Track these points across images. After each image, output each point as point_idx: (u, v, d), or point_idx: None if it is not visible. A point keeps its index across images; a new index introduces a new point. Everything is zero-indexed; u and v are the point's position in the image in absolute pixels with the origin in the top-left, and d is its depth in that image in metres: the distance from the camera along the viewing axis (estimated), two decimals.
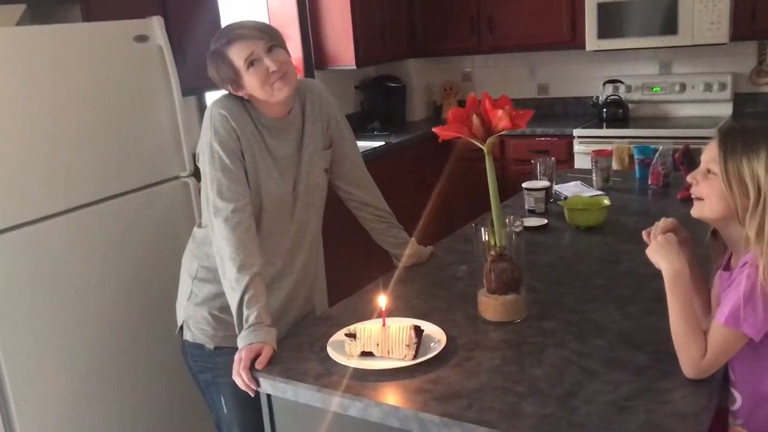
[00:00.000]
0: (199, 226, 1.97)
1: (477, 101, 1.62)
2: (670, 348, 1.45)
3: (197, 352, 1.93)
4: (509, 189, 3.03)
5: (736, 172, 1.34)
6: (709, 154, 1.40)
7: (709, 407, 1.28)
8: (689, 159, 2.56)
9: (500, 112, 1.57)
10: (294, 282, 1.95)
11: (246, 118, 1.81)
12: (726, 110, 4.16)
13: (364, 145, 4.23)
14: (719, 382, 1.36)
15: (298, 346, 1.64)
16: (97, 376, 2.39)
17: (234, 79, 1.78)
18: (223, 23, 3.31)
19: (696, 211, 1.44)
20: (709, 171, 1.39)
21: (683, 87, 4.25)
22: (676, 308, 1.39)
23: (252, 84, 1.77)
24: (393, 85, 4.90)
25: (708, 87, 4.17)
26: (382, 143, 4.26)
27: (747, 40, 3.97)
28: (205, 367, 1.93)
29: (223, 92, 1.88)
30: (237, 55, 1.75)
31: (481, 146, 1.63)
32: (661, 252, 1.44)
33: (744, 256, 1.36)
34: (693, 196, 1.44)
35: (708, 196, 1.40)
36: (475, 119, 1.60)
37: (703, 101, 4.21)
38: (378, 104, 4.88)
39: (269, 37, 1.79)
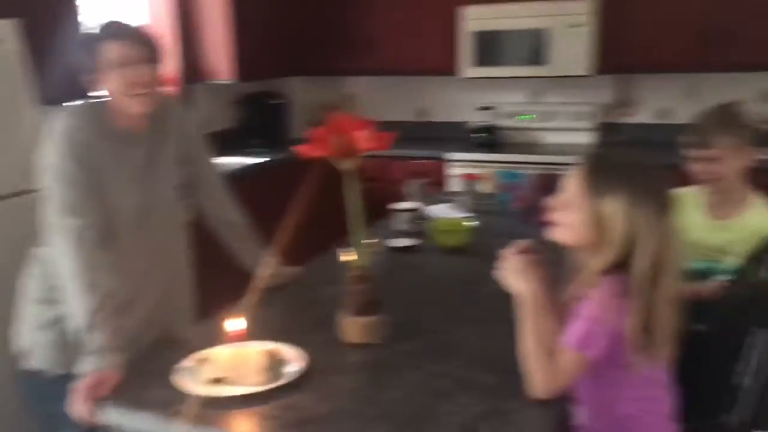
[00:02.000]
0: (41, 245, 1.84)
1: (340, 122, 1.61)
2: (517, 368, 1.49)
3: (41, 380, 1.80)
4: (382, 209, 3.06)
5: (595, 209, 1.38)
6: (573, 185, 1.44)
7: (552, 426, 1.31)
8: (552, 185, 2.67)
9: (362, 133, 1.58)
10: (152, 304, 1.86)
11: (96, 130, 1.72)
12: (589, 139, 4.40)
13: (242, 161, 4.15)
14: (563, 401, 1.41)
15: (148, 373, 1.55)
16: None
17: (92, 71, 1.70)
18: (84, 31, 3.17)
19: (554, 235, 1.49)
20: (570, 200, 1.44)
21: (551, 116, 4.46)
22: (529, 330, 1.42)
23: (111, 85, 1.70)
24: (274, 102, 4.85)
25: (573, 116, 4.40)
26: (261, 160, 4.19)
27: (609, 74, 4.23)
28: (49, 396, 1.79)
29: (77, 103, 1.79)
30: (108, 49, 1.69)
31: (344, 166, 1.62)
32: (515, 275, 1.48)
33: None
34: (552, 220, 1.48)
35: (566, 224, 1.44)
36: (337, 139, 1.59)
37: (569, 129, 4.44)
38: (258, 121, 4.80)
39: (150, 50, 1.74)
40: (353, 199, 1.65)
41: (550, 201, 1.50)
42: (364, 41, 4.63)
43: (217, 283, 3.35)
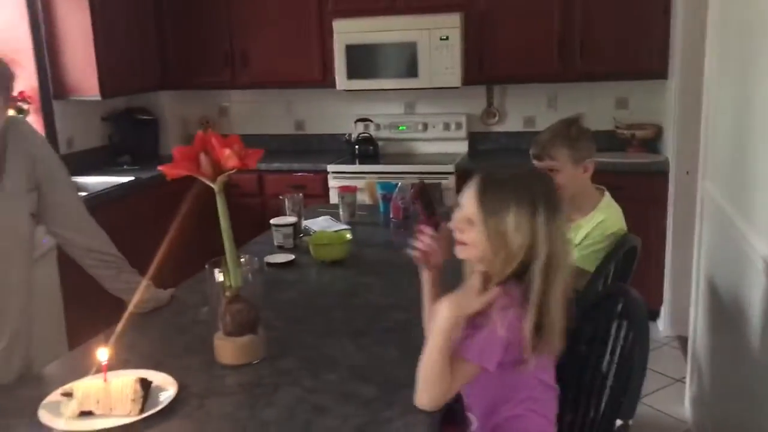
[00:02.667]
0: None
1: (204, 140, 1.58)
2: (396, 377, 1.53)
3: None
4: (264, 224, 3.02)
5: (494, 226, 1.41)
6: (469, 207, 1.45)
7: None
8: (423, 194, 2.73)
9: (228, 151, 1.56)
10: (8, 339, 1.74)
11: None
12: (462, 148, 4.55)
13: (111, 180, 3.98)
14: (442, 408, 1.44)
15: (5, 411, 1.45)
16: None
17: None
18: None
19: (461, 254, 1.49)
20: (470, 220, 1.45)
21: (425, 126, 4.58)
22: (440, 348, 1.38)
23: None
24: (144, 117, 4.69)
25: (446, 126, 4.54)
26: (132, 178, 4.03)
27: (477, 85, 4.40)
28: None
29: None
30: None
31: (212, 185, 1.59)
32: (449, 299, 1.44)
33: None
34: (457, 241, 1.48)
35: (471, 243, 1.45)
36: (203, 158, 1.56)
37: (442, 139, 4.57)
38: (128, 137, 4.62)
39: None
40: (223, 217, 1.62)
41: (453, 223, 1.49)
42: (237, 54, 4.57)
43: (88, 312, 3.20)
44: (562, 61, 4.07)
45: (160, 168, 1.59)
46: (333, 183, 4.25)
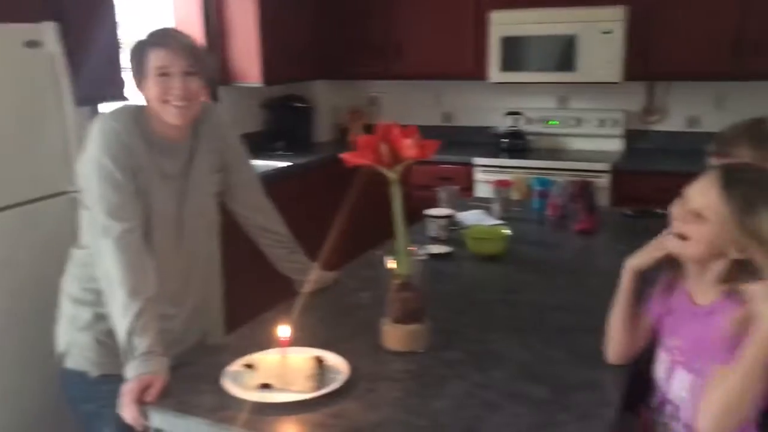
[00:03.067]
0: (80, 246, 1.85)
1: (386, 129, 1.60)
2: (568, 380, 1.49)
3: (80, 380, 1.80)
4: (411, 215, 3.04)
5: (748, 226, 1.34)
6: (705, 199, 1.38)
7: None
8: (586, 192, 2.65)
9: (408, 141, 1.57)
10: (189, 310, 1.87)
11: (137, 134, 1.73)
12: (618, 146, 4.37)
13: (267, 164, 4.16)
14: (617, 413, 1.39)
15: (192, 377, 1.55)
16: None
17: (136, 75, 1.74)
18: (125, 34, 3.19)
19: (678, 249, 1.44)
20: (700, 215, 1.38)
21: (579, 121, 4.44)
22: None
23: (150, 93, 1.72)
24: (299, 105, 4.85)
25: (602, 123, 4.37)
26: (287, 164, 4.20)
27: (638, 81, 4.20)
28: (88, 397, 1.81)
29: (117, 105, 1.80)
30: (154, 58, 1.71)
31: (389, 174, 1.61)
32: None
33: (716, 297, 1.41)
34: (674, 232, 1.43)
35: (695, 239, 1.39)
36: (383, 147, 1.59)
37: (596, 136, 4.41)
38: (283, 124, 4.81)
39: (194, 60, 1.73)
40: (397, 206, 1.64)
41: (677, 212, 1.44)
42: (391, 46, 4.63)
43: (243, 288, 3.37)
44: (735, 59, 3.79)
45: (341, 156, 1.63)
46: (479, 176, 4.22)
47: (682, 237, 1.42)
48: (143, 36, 1.76)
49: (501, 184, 2.89)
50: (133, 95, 3.26)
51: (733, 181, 1.38)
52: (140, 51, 1.72)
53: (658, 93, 4.33)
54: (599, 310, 1.83)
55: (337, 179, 4.43)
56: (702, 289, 1.46)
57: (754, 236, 1.34)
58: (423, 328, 1.66)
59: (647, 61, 4.00)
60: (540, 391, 1.46)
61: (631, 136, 4.40)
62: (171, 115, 1.73)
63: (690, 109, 4.28)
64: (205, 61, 1.78)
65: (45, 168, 2.42)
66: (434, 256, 2.36)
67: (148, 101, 1.75)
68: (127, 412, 1.46)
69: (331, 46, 4.81)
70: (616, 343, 1.58)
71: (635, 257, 1.54)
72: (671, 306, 1.54)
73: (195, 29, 4.19)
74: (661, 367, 1.54)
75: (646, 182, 3.74)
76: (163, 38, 1.74)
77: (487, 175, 4.14)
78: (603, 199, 3.71)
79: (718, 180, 1.38)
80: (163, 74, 1.70)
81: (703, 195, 1.39)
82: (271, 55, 4.31)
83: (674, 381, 1.49)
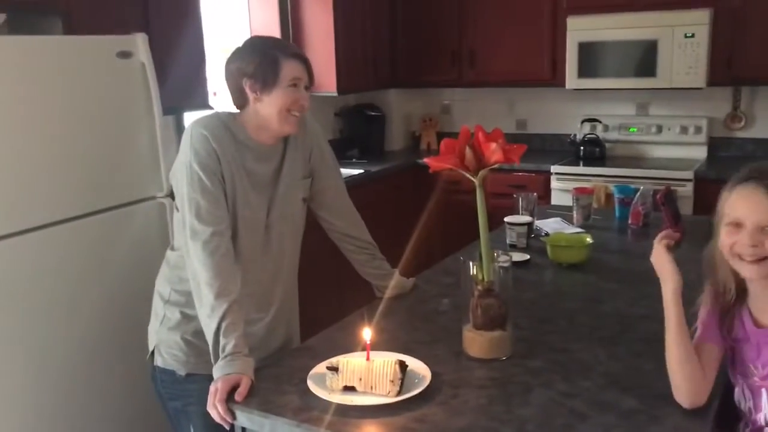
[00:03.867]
0: (172, 248, 1.91)
1: (470, 133, 1.59)
2: (658, 391, 1.44)
3: (168, 378, 1.86)
4: (494, 222, 3.02)
5: None
6: (761, 213, 1.33)
7: None
8: (670, 200, 2.57)
9: (493, 145, 1.56)
10: (274, 313, 1.90)
11: (228, 139, 1.76)
12: (701, 153, 4.22)
13: (342, 172, 4.20)
14: (711, 426, 1.34)
15: (277, 378, 1.58)
16: (63, 400, 2.29)
17: (265, 83, 1.75)
18: (206, 43, 3.29)
19: (764, 270, 1.37)
20: (766, 228, 1.33)
21: (659, 129, 4.31)
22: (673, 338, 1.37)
23: (277, 102, 1.76)
24: (373, 113, 4.89)
25: (684, 130, 4.23)
26: (361, 171, 4.23)
27: (722, 86, 4.05)
28: (175, 394, 1.86)
29: (203, 113, 1.85)
30: (290, 69, 1.76)
31: (473, 179, 1.60)
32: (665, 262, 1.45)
33: None
34: (752, 258, 1.36)
35: None
36: (468, 151, 1.58)
37: (678, 143, 4.27)
38: (357, 132, 4.86)
39: (312, 78, 1.83)
40: (481, 211, 1.62)
41: (750, 237, 1.35)
42: (465, 53, 4.62)
43: (321, 292, 3.41)
44: None
45: (426, 160, 1.63)
46: (555, 184, 4.15)
47: (762, 259, 1.34)
48: (265, 44, 1.80)
49: (581, 192, 2.83)
50: (216, 102, 3.38)
51: None
52: (273, 61, 1.74)
53: (744, 99, 4.16)
54: (686, 320, 1.78)
55: (411, 187, 4.45)
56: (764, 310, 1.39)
57: None
58: (506, 335, 1.64)
59: (732, 66, 3.86)
60: (629, 401, 1.41)
61: (715, 144, 4.24)
62: (289, 124, 1.79)
63: None
64: (313, 77, 1.86)
65: (135, 173, 2.51)
66: (513, 264, 2.33)
67: (263, 108, 1.77)
68: (215, 410, 1.49)
69: (404, 54, 4.84)
70: (689, 385, 1.37)
71: (673, 278, 1.43)
72: (737, 336, 1.46)
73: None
74: (743, 395, 1.47)
75: None
76: (296, 51, 1.82)
77: (563, 184, 4.06)
78: (686, 208, 3.59)
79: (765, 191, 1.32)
80: (294, 85, 1.76)
81: (761, 209, 1.32)
82: (346, 64, 4.37)
83: (763, 405, 1.42)
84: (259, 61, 1.74)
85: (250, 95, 1.77)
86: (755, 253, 1.34)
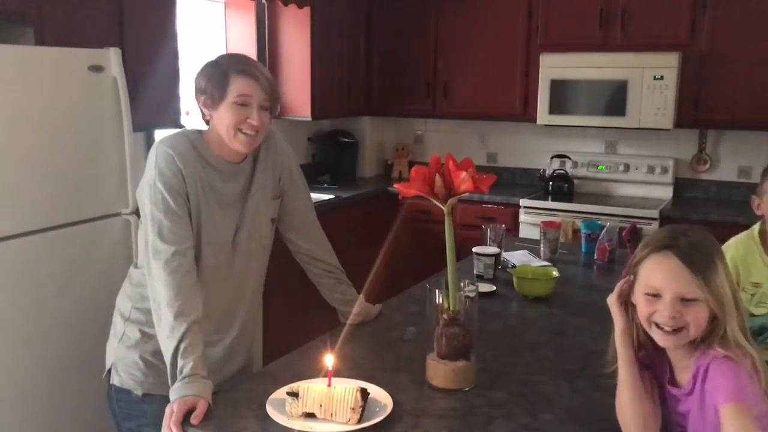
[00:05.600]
0: (136, 266, 1.88)
1: (440, 161, 1.60)
2: (617, 427, 1.43)
3: (124, 397, 1.81)
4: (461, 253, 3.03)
5: (712, 292, 1.30)
6: (679, 284, 1.31)
7: None
8: (636, 237, 2.60)
9: (463, 174, 1.56)
10: (234, 335, 1.87)
11: (193, 158, 1.74)
12: (667, 193, 4.30)
13: (312, 197, 4.17)
14: None
15: (235, 402, 1.54)
16: (19, 412, 2.23)
17: (213, 99, 1.72)
18: (181, 62, 3.27)
19: (680, 341, 1.34)
20: (684, 299, 1.31)
21: (627, 167, 4.38)
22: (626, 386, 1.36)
23: (223, 118, 1.72)
24: (346, 140, 4.91)
25: (651, 169, 4.31)
26: (331, 197, 4.23)
27: (689, 128, 4.15)
28: (130, 415, 1.81)
29: (173, 131, 1.82)
30: (239, 85, 1.71)
31: (442, 206, 1.60)
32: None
33: (695, 365, 1.34)
34: (670, 328, 1.32)
35: (695, 321, 1.31)
36: (438, 179, 1.58)
37: (645, 183, 4.35)
38: (329, 158, 4.86)
39: (271, 97, 1.76)
40: (450, 239, 1.62)
41: (669, 312, 1.32)
42: (438, 84, 4.67)
43: (283, 316, 3.38)
44: None
45: (395, 186, 1.63)
46: (524, 218, 4.19)
47: (680, 329, 1.32)
48: (222, 60, 1.77)
49: (548, 225, 2.85)
50: (188, 121, 3.35)
51: (688, 254, 1.31)
52: (222, 75, 1.71)
53: (709, 141, 4.26)
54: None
55: (381, 214, 4.45)
56: (680, 370, 1.39)
57: (715, 298, 1.30)
58: (470, 366, 1.63)
59: (699, 109, 3.96)
60: None
61: (681, 185, 4.33)
62: (239, 143, 1.74)
63: (742, 160, 4.20)
64: (277, 98, 1.80)
65: (102, 189, 2.48)
66: (480, 294, 2.33)
67: (215, 125, 1.75)
68: None
69: (379, 83, 4.88)
70: (640, 426, 1.36)
71: (619, 320, 1.43)
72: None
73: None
74: None
75: None
76: (249, 67, 1.74)
77: (531, 217, 4.10)
78: None
79: (680, 262, 1.31)
80: (243, 104, 1.71)
81: (679, 280, 1.31)
82: (321, 89, 4.38)
83: None
84: (210, 76, 1.72)
85: (204, 111, 1.76)
86: (674, 324, 1.32)
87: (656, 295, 1.34)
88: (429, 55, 4.68)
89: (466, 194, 1.63)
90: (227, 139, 1.74)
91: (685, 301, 1.31)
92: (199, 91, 1.74)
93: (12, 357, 2.19)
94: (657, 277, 1.34)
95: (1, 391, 2.18)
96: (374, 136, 5.21)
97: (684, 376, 1.37)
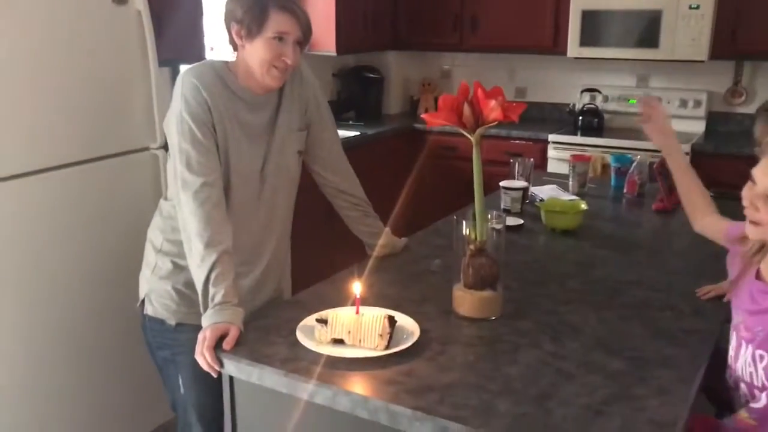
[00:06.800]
0: (166, 198, 1.90)
1: (468, 90, 1.57)
2: (645, 354, 1.45)
3: (157, 327, 1.86)
4: (489, 187, 3.01)
5: None
6: None
7: (684, 416, 1.26)
8: (666, 171, 2.56)
9: (493, 102, 1.54)
10: (264, 266, 1.89)
11: (219, 89, 1.73)
12: (699, 127, 4.21)
13: (339, 134, 4.17)
14: (695, 391, 1.34)
15: (266, 329, 1.58)
16: (55, 345, 2.30)
17: (250, 31, 1.69)
18: None
19: (755, 235, 1.41)
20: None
21: (659, 101, 4.26)
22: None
23: (258, 53, 1.71)
24: (371, 76, 4.84)
25: (683, 103, 4.21)
26: (357, 133, 4.20)
27: (725, 60, 4.02)
28: (164, 344, 1.86)
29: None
30: (277, 21, 1.69)
31: (470, 136, 1.59)
32: None
33: None
34: (749, 220, 1.40)
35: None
36: (466, 108, 1.56)
37: (677, 117, 4.23)
38: (355, 94, 4.82)
39: (306, 35, 1.75)
40: (477, 169, 1.61)
41: (747, 198, 1.39)
42: (466, 17, 4.56)
43: (313, 248, 3.40)
44: None
45: (422, 116, 1.61)
46: (552, 153, 4.14)
47: (756, 223, 1.37)
48: None
49: (578, 159, 2.82)
50: (212, 56, 3.32)
51: None
52: (262, 8, 1.68)
53: (745, 73, 4.13)
54: (676, 288, 1.80)
55: (407, 150, 4.43)
56: None
57: None
58: (496, 296, 1.64)
59: (736, 40, 3.83)
60: (616, 363, 1.42)
61: (714, 118, 4.22)
62: (271, 78, 1.73)
63: None
64: (311, 35, 1.78)
65: (129, 124, 2.48)
66: (507, 228, 2.32)
67: (246, 57, 1.73)
68: (202, 358, 1.49)
69: (405, 15, 4.77)
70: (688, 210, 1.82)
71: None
72: (742, 286, 1.49)
73: None
74: (730, 342, 1.52)
75: (728, 165, 3.56)
76: (288, 3, 1.71)
77: (560, 153, 4.05)
78: None
79: None
80: (280, 38, 1.70)
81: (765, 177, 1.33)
82: (346, 23, 4.31)
83: (740, 358, 1.45)
84: (249, 7, 1.69)
85: (237, 41, 1.74)
86: (751, 215, 1.37)
87: (753, 184, 1.39)
88: None
89: (494, 129, 1.60)
90: (259, 73, 1.73)
91: None
92: (234, 20, 1.71)
93: (46, 290, 2.25)
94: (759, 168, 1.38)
95: (38, 326, 2.25)
96: (400, 72, 5.13)
97: None
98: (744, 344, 1.47)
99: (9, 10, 2.08)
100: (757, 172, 1.37)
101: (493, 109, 1.53)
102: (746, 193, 1.40)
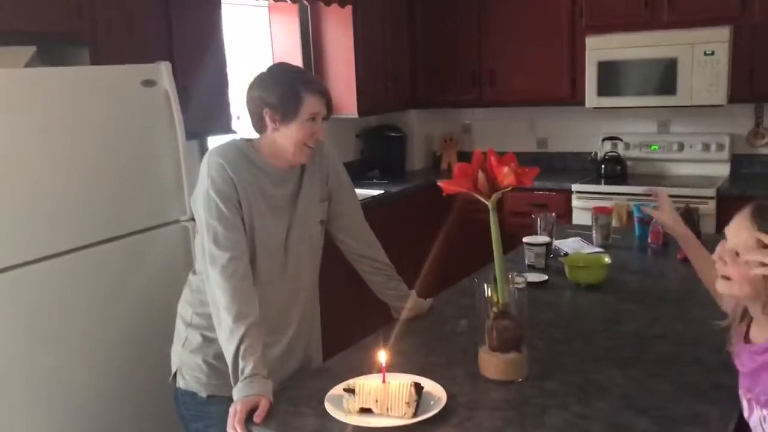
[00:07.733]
0: (194, 272, 1.96)
1: (483, 156, 1.62)
2: (673, 413, 1.44)
3: (190, 400, 1.89)
4: (506, 242, 3.02)
5: None
6: (739, 238, 1.35)
7: None
8: (689, 218, 2.56)
9: (506, 168, 1.58)
10: (292, 335, 1.93)
11: (244, 165, 1.81)
12: (723, 170, 4.19)
13: (362, 192, 4.23)
14: None
15: (295, 400, 1.60)
16: (88, 421, 2.34)
17: (285, 115, 1.79)
18: (229, 68, 3.36)
19: (724, 289, 1.41)
20: (738, 254, 1.35)
21: (681, 146, 4.29)
22: None
23: (293, 135, 1.80)
24: (393, 134, 4.94)
25: (706, 147, 4.21)
26: (381, 192, 4.27)
27: (743, 103, 4.03)
28: (196, 416, 1.89)
29: (226, 137, 1.89)
30: (311, 104, 1.79)
31: (486, 202, 1.62)
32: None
33: None
34: (720, 274, 1.40)
35: (737, 279, 1.35)
36: (480, 175, 1.60)
37: (700, 161, 4.25)
38: (378, 153, 4.91)
39: (330, 110, 1.87)
40: (495, 234, 1.64)
41: (716, 255, 1.40)
42: (484, 73, 4.66)
43: (340, 314, 3.43)
44: None
45: (439, 184, 1.66)
46: (576, 203, 4.15)
47: (726, 278, 1.37)
48: (288, 76, 1.82)
49: (600, 211, 2.83)
50: (239, 125, 3.44)
51: (761, 214, 1.32)
52: (295, 95, 1.78)
53: (766, 115, 4.13)
54: (704, 342, 1.78)
55: (431, 207, 4.47)
56: (758, 327, 1.40)
57: None
58: (521, 357, 1.65)
59: (753, 83, 3.84)
60: (644, 423, 1.42)
61: (738, 160, 4.21)
62: (303, 155, 1.84)
63: None
64: (333, 108, 1.90)
65: (159, 198, 2.57)
66: (531, 284, 2.34)
67: (278, 138, 1.82)
68: None
69: (424, 74, 4.89)
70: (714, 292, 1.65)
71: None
72: (736, 346, 1.48)
73: (295, 62, 4.36)
74: (743, 406, 1.48)
75: None
76: (318, 85, 1.84)
77: (584, 202, 4.06)
78: (708, 226, 3.56)
79: (749, 216, 1.33)
80: (313, 119, 1.81)
81: (737, 233, 1.34)
82: (366, 86, 4.43)
83: (751, 419, 1.42)
84: (282, 94, 1.78)
85: (269, 124, 1.82)
86: (720, 269, 1.39)
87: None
88: (473, 43, 4.67)
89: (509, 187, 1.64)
90: (293, 152, 1.82)
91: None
92: (269, 107, 1.79)
93: (80, 365, 2.31)
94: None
95: (75, 400, 2.30)
96: (421, 129, 5.22)
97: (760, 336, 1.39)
98: (753, 405, 1.43)
99: (45, 95, 2.20)
100: (728, 230, 1.38)
101: (506, 176, 1.57)
102: (718, 249, 1.40)
